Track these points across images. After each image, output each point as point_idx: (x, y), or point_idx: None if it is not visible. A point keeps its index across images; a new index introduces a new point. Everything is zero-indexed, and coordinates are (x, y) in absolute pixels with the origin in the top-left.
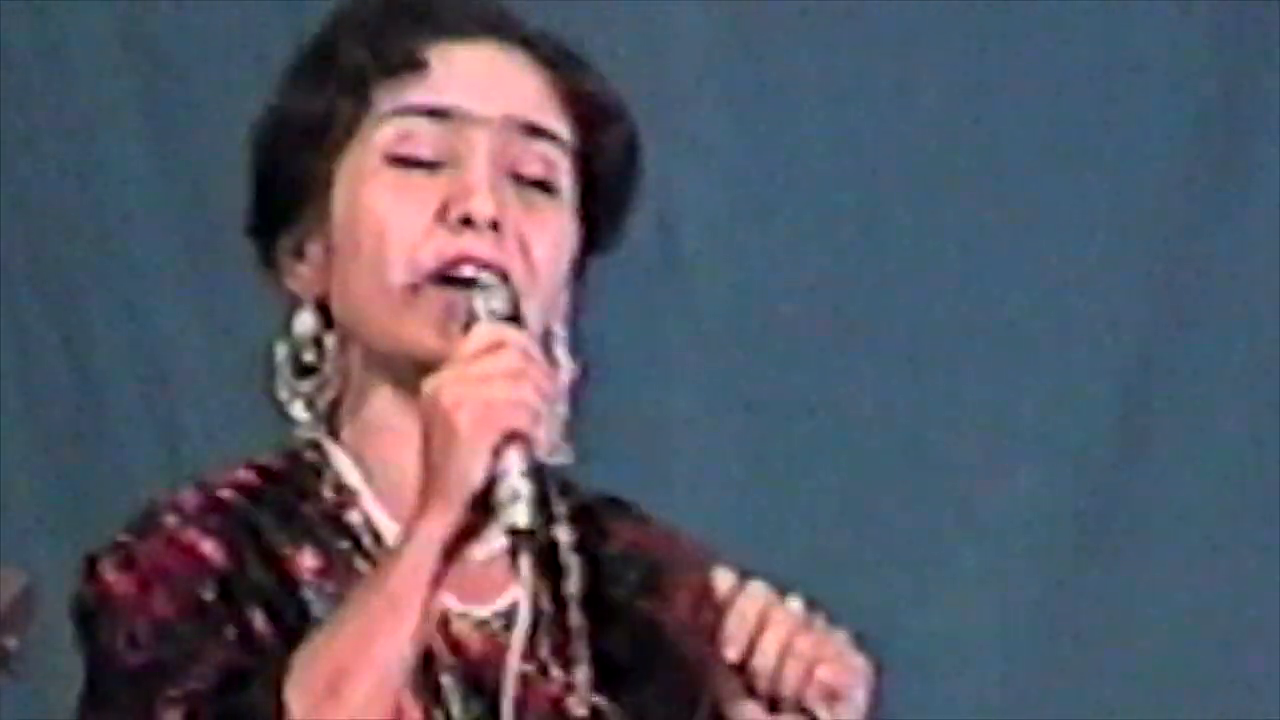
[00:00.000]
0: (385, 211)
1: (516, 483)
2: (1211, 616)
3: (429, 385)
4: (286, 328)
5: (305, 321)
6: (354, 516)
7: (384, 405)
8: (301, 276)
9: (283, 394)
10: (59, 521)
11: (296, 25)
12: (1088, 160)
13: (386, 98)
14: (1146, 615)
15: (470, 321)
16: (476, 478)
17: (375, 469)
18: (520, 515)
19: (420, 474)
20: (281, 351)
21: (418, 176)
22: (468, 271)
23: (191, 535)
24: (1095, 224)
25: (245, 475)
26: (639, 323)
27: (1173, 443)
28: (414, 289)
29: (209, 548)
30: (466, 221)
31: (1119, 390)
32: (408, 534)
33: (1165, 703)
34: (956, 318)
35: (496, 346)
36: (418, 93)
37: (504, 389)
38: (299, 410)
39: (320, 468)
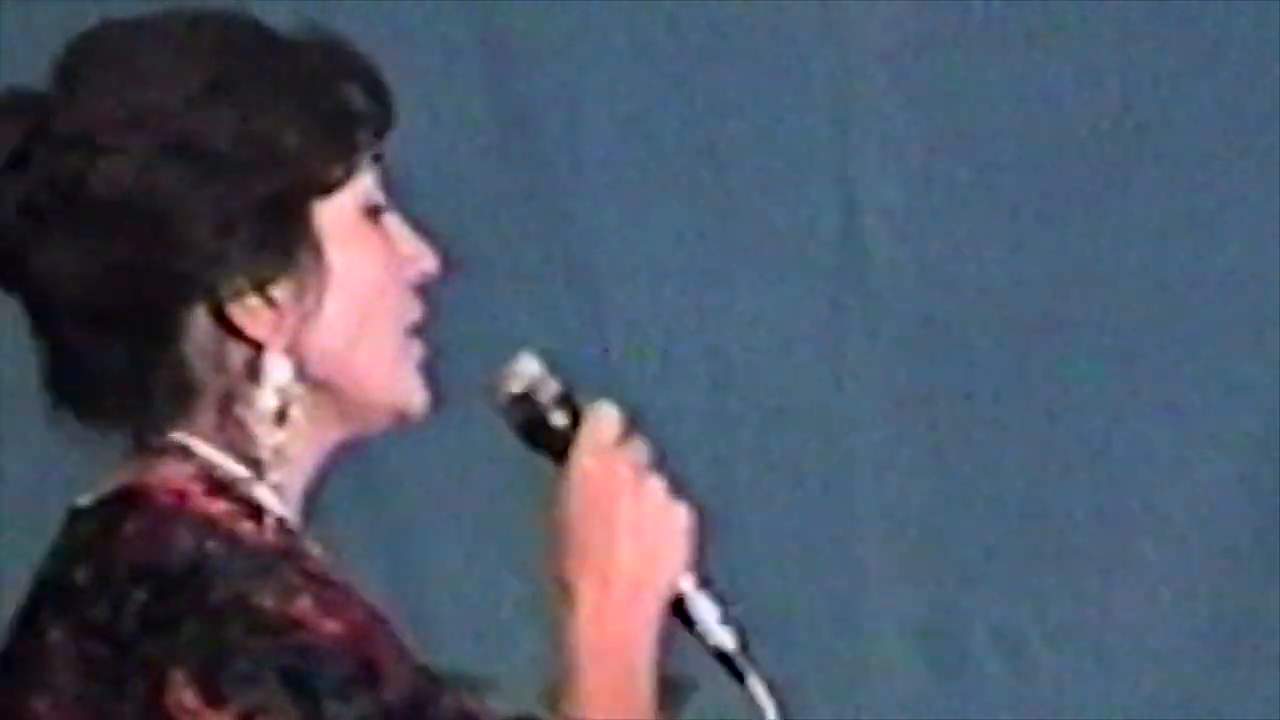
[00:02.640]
0: (385, 269)
1: (710, 599)
2: None
3: (614, 470)
4: (252, 373)
5: (284, 371)
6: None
7: (306, 446)
8: (267, 322)
9: (264, 444)
10: None
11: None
12: (1267, 156)
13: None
14: None
15: (524, 396)
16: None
17: (289, 504)
18: (729, 638)
19: (592, 552)
20: (270, 402)
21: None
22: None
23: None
24: (1275, 219)
25: (220, 506)
26: (823, 318)
27: None
28: (403, 345)
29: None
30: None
31: None
32: (625, 625)
33: None
34: (1138, 311)
35: (629, 434)
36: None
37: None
38: (271, 457)
39: (252, 502)
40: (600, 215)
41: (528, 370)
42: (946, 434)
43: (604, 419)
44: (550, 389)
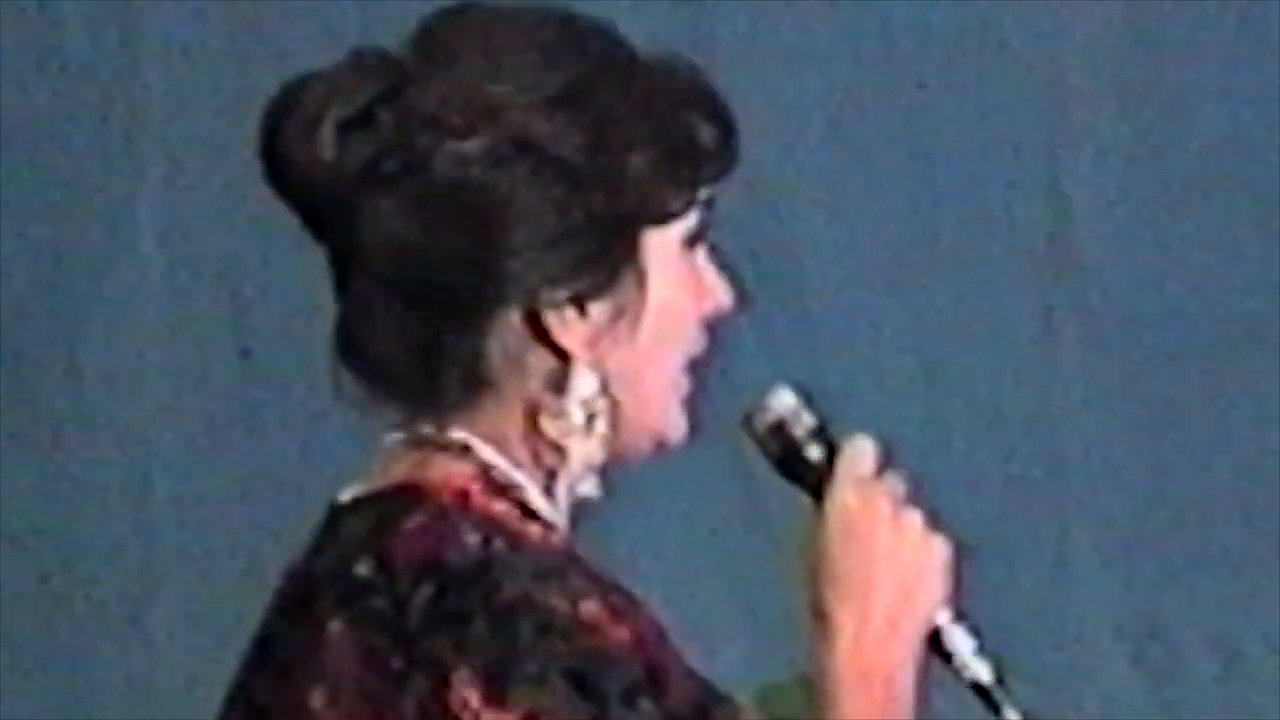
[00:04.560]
0: (691, 301)
1: (966, 631)
2: None
3: (872, 503)
4: (558, 385)
5: (591, 384)
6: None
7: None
8: (579, 336)
9: (574, 455)
10: None
11: None
12: None
13: None
14: None
15: (779, 429)
16: None
17: (559, 513)
18: (986, 670)
19: (851, 583)
20: (578, 415)
21: None
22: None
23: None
24: None
25: (501, 507)
26: (1033, 321)
27: None
28: (682, 377)
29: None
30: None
31: None
32: (884, 656)
33: None
34: None
35: (885, 467)
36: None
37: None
38: (579, 468)
39: (527, 506)
40: (810, 219)
41: (783, 403)
42: (1158, 435)
43: (860, 452)
44: (805, 422)
